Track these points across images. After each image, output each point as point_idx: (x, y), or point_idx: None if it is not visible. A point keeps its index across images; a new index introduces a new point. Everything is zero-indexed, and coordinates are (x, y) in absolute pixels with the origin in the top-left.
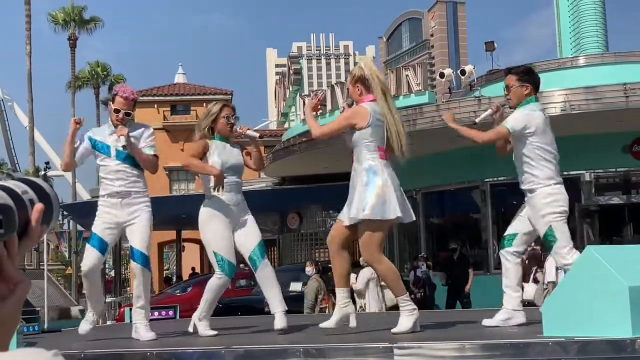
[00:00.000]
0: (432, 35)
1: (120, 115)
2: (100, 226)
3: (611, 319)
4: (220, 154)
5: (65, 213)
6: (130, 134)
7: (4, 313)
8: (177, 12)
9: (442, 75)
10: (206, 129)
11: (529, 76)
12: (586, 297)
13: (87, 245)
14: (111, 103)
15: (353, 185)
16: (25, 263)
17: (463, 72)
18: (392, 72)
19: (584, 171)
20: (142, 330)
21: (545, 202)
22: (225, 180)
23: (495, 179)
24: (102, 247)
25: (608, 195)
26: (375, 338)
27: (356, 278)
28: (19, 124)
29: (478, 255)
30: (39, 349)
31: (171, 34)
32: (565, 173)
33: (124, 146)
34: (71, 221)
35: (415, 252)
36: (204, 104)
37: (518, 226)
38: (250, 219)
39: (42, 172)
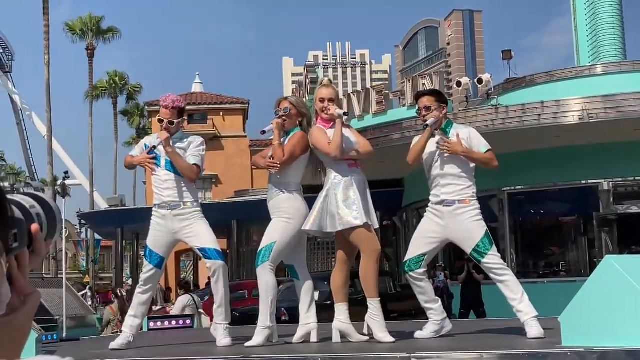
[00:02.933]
0: (448, 44)
1: (164, 125)
2: (152, 238)
3: (630, 329)
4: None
5: (83, 222)
6: (179, 144)
7: (16, 324)
8: (195, 23)
9: (459, 83)
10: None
11: (444, 98)
12: (605, 307)
13: (145, 260)
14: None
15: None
16: (44, 272)
17: (480, 81)
18: (409, 80)
19: (602, 180)
20: (220, 335)
21: (477, 212)
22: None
23: (513, 187)
24: (155, 260)
25: (627, 204)
26: (393, 347)
27: (173, 303)
28: (37, 133)
29: None
30: (55, 357)
31: (188, 44)
32: (584, 182)
33: (153, 146)
34: (89, 230)
35: (433, 262)
36: (221, 113)
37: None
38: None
39: (61, 181)
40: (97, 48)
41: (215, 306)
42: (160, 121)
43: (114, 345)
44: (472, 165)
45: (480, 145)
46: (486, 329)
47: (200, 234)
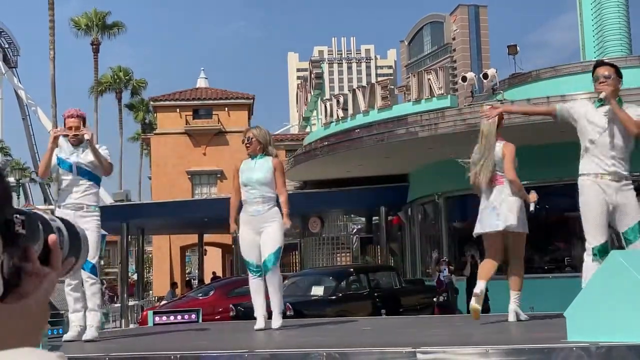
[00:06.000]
0: (454, 39)
1: (71, 133)
2: None
3: (636, 325)
4: (246, 171)
5: None
6: (87, 151)
7: (30, 305)
8: (201, 19)
9: (464, 79)
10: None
11: (621, 73)
12: (611, 302)
13: None
14: (64, 127)
15: None
16: None
17: (485, 76)
18: (414, 75)
19: None
20: (90, 332)
21: (634, 193)
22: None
23: None
24: None
25: None
26: (399, 342)
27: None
28: (42, 128)
29: None
30: (43, 350)
31: (194, 39)
32: None
33: (74, 135)
34: None
35: (438, 257)
36: (226, 109)
37: (605, 231)
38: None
39: None
40: (102, 43)
41: (89, 308)
42: (70, 128)
43: (67, 337)
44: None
45: (635, 116)
46: (491, 324)
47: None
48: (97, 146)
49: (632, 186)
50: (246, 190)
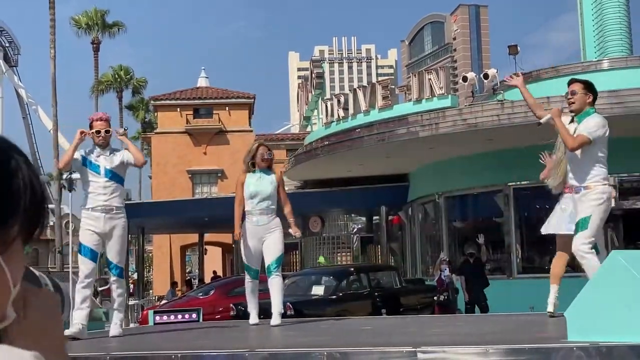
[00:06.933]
0: (454, 39)
1: (102, 134)
2: (85, 236)
3: (636, 324)
4: (254, 184)
5: None
6: (113, 154)
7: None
8: (201, 19)
9: (464, 79)
10: (248, 164)
11: (592, 88)
12: (611, 302)
13: (80, 257)
14: (91, 130)
15: None
16: (49, 265)
17: (486, 76)
18: (415, 75)
19: (608, 175)
20: (114, 327)
21: (596, 197)
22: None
23: (519, 183)
24: (89, 254)
25: (632, 199)
26: (399, 342)
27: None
28: (43, 127)
29: (500, 260)
30: (18, 349)
31: (194, 39)
32: None
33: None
34: None
35: (438, 256)
36: (226, 108)
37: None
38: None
39: (67, 176)
40: (102, 42)
41: (114, 307)
42: (98, 132)
43: (67, 334)
44: (598, 152)
45: (581, 130)
46: (491, 324)
47: (114, 246)
48: (117, 153)
49: (590, 196)
50: (251, 202)
